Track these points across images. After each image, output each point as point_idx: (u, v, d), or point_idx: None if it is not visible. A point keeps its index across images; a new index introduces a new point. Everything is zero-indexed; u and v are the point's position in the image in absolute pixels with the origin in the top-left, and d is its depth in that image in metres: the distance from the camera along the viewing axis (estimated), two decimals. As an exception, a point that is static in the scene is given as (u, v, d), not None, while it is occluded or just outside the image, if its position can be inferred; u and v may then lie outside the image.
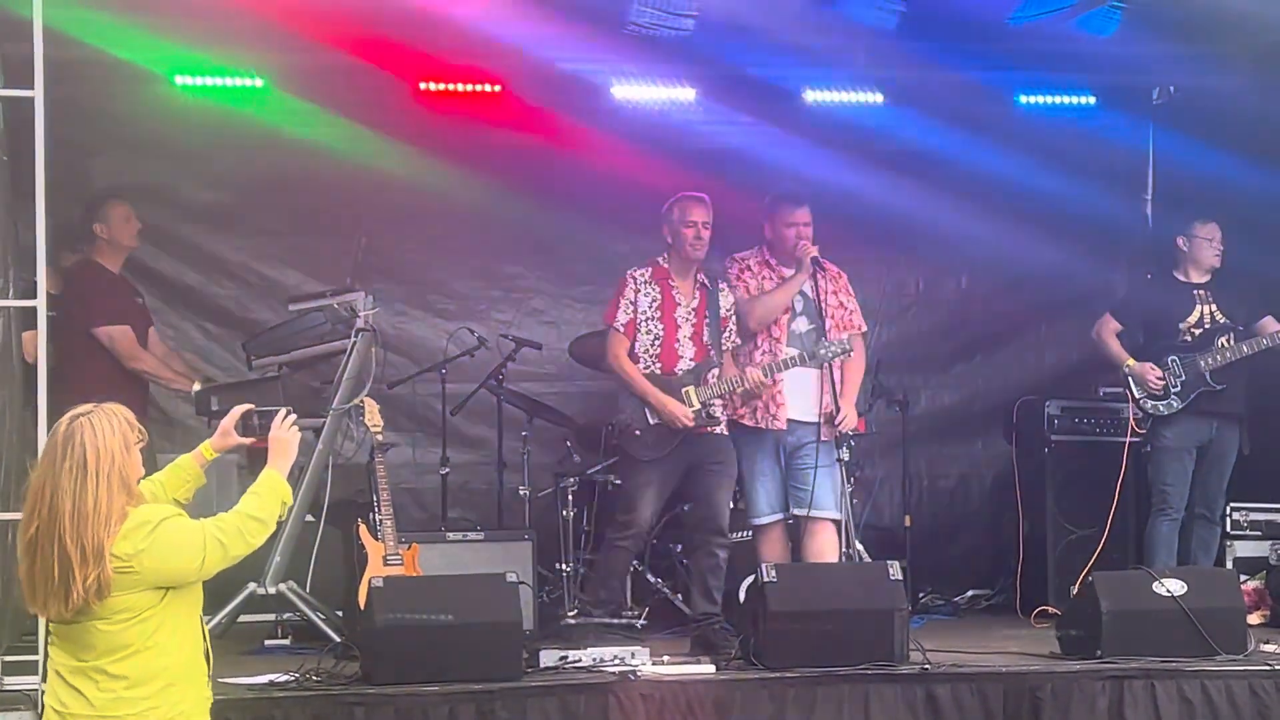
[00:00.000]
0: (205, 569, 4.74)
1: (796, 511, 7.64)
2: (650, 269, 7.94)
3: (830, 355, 7.70)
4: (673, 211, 7.91)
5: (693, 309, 7.88)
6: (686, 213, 7.85)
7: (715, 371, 7.84)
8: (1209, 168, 9.55)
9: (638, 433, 7.76)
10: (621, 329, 7.84)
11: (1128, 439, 8.60)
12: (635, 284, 7.87)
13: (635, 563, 8.39)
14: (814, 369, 7.72)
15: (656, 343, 7.82)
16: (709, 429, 7.81)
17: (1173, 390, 8.43)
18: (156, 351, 8.37)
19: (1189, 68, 9.42)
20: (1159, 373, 8.42)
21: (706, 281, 7.95)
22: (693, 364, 7.80)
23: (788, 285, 7.71)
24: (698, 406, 7.72)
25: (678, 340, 7.84)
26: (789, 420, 7.68)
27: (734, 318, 7.96)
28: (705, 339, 7.84)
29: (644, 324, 7.83)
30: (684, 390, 7.73)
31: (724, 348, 7.93)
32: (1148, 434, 8.57)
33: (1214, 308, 8.52)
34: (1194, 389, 8.41)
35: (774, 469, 7.74)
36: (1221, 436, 8.50)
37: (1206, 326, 8.52)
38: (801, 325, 7.75)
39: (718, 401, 7.82)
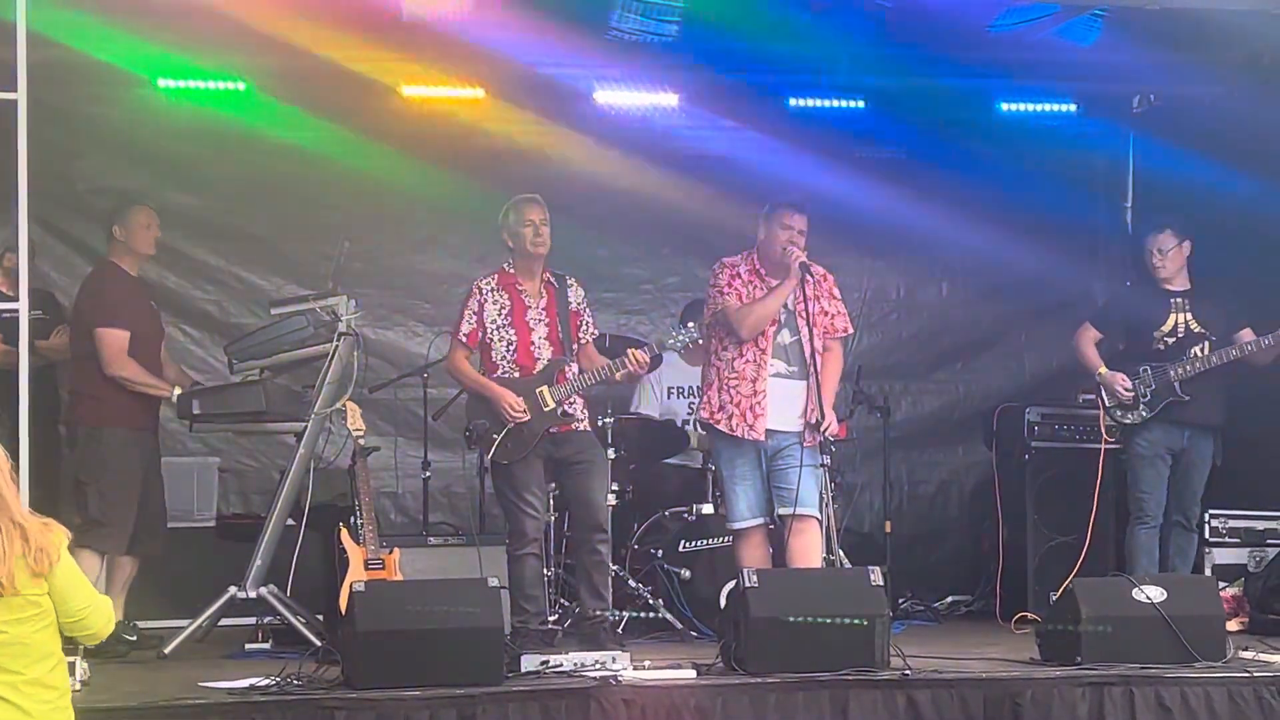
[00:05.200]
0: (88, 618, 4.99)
1: (782, 511, 7.62)
2: (496, 276, 7.92)
3: (679, 343, 7.74)
4: (508, 215, 7.89)
5: (543, 309, 7.88)
6: (523, 213, 7.85)
7: (572, 368, 7.85)
8: (1189, 176, 9.58)
9: (495, 437, 7.76)
10: (464, 339, 7.84)
11: (1102, 447, 8.61)
12: (481, 294, 7.86)
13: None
14: (800, 380, 7.69)
15: (512, 349, 7.80)
16: (570, 426, 7.81)
17: (1142, 400, 8.41)
18: (165, 361, 8.34)
19: (1169, 76, 9.45)
20: (1129, 383, 8.41)
21: (553, 279, 7.95)
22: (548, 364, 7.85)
23: (777, 292, 7.65)
24: (552, 406, 7.73)
25: (533, 343, 7.82)
26: (768, 430, 7.65)
27: (586, 311, 7.99)
28: (560, 337, 7.85)
29: (496, 332, 7.82)
30: (538, 391, 7.72)
31: (581, 341, 7.94)
32: (1123, 442, 8.57)
33: (1189, 316, 8.48)
34: (1163, 399, 8.38)
35: (754, 473, 7.69)
36: (1195, 445, 8.47)
37: (1180, 335, 8.48)
38: (785, 337, 7.72)
39: (577, 398, 7.85)
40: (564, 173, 9.63)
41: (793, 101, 9.97)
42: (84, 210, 9.47)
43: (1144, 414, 8.42)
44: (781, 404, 7.64)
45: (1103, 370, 8.51)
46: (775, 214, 7.74)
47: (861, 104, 9.99)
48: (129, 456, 7.92)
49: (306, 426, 7.95)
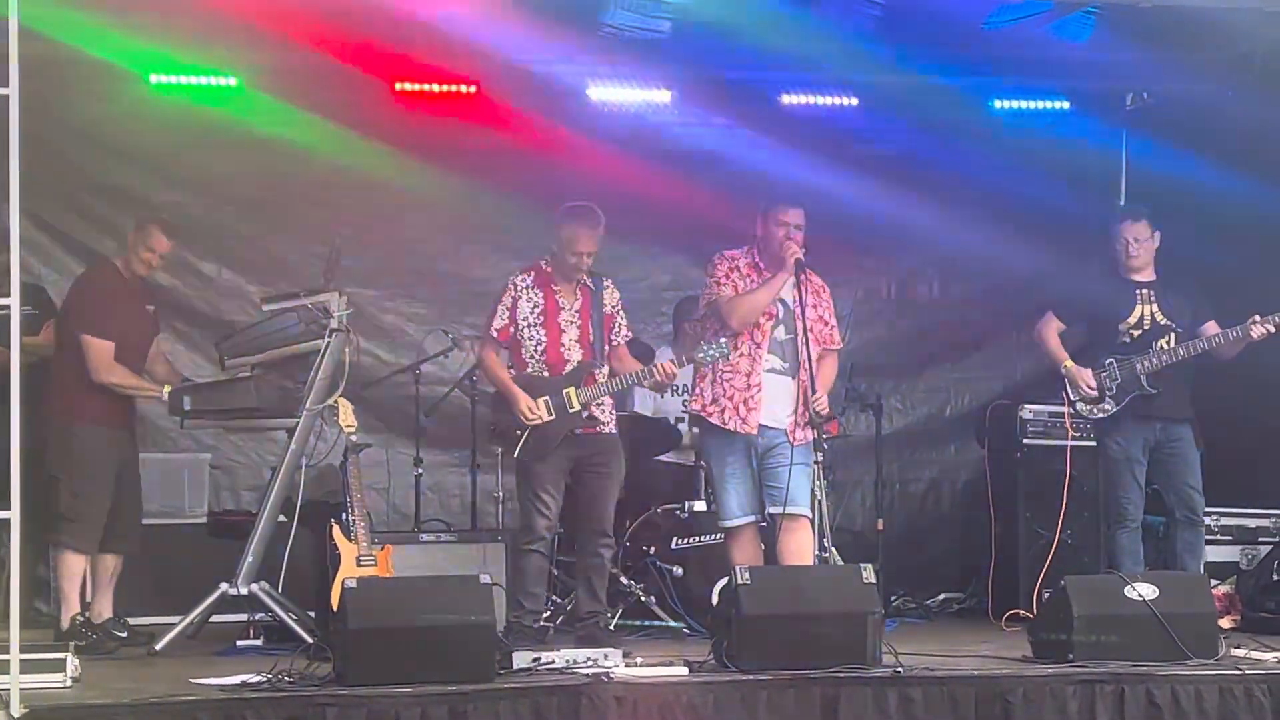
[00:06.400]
0: None
1: (772, 510, 7.61)
2: (533, 273, 7.93)
3: (709, 358, 7.68)
4: (564, 228, 7.86)
5: (576, 310, 7.89)
6: (576, 241, 7.82)
7: (602, 371, 7.85)
8: (1181, 172, 9.58)
9: (518, 433, 7.75)
10: (495, 334, 7.86)
11: (1068, 443, 8.60)
12: (515, 290, 7.87)
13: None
14: (790, 378, 7.68)
15: (540, 348, 7.82)
16: (595, 429, 7.83)
17: (1108, 393, 8.33)
18: (155, 359, 8.32)
19: (1162, 73, 9.47)
20: (1094, 380, 8.36)
21: (589, 282, 7.94)
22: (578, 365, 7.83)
23: (770, 285, 7.65)
24: (578, 407, 7.73)
25: (563, 344, 7.84)
26: (760, 426, 7.65)
27: (620, 314, 8.00)
28: (591, 340, 7.85)
29: (527, 330, 7.83)
30: (565, 392, 7.73)
31: (613, 343, 7.95)
32: (1097, 444, 8.51)
33: (1155, 308, 8.34)
34: (1128, 392, 8.26)
35: (745, 470, 7.69)
36: (1171, 438, 8.30)
37: (1146, 328, 8.33)
38: (781, 334, 7.72)
39: (606, 401, 7.86)
40: (556, 169, 9.61)
41: (785, 98, 9.97)
42: (74, 206, 9.46)
43: (1109, 407, 8.32)
44: (775, 400, 7.64)
45: (1069, 364, 8.40)
46: (771, 210, 7.76)
47: (854, 101, 10.00)
48: (101, 454, 7.88)
49: (298, 423, 7.94)
